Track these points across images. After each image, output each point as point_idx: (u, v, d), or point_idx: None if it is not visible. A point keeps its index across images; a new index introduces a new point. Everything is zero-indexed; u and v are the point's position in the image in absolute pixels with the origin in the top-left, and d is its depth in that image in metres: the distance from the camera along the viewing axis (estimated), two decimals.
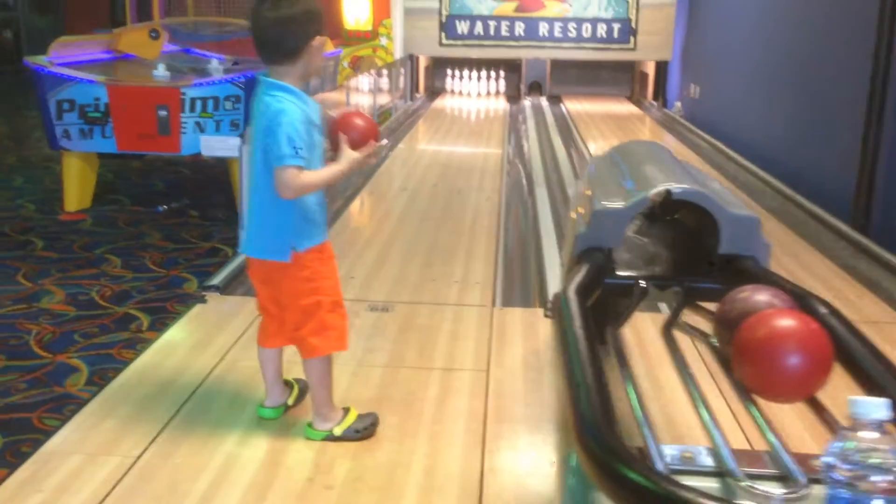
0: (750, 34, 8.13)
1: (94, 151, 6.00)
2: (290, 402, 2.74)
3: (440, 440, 2.63)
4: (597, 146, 8.40)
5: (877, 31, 4.98)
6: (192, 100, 5.70)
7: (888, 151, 5.01)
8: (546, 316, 3.67)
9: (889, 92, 4.96)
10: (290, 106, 2.33)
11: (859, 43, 5.34)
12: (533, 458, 2.56)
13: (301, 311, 2.49)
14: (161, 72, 6.06)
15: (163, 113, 5.70)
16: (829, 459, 0.92)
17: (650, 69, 11.82)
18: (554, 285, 4.12)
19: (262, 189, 2.40)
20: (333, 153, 2.44)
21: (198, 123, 5.74)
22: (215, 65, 6.63)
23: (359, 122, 2.48)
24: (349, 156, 2.41)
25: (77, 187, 6.06)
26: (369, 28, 10.70)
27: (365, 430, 2.61)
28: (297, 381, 2.78)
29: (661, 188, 1.91)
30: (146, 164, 7.69)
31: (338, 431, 2.58)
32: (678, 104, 10.60)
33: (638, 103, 11.80)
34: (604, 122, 10.16)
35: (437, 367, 3.16)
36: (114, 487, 2.30)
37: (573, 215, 2.30)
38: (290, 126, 2.29)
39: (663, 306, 3.75)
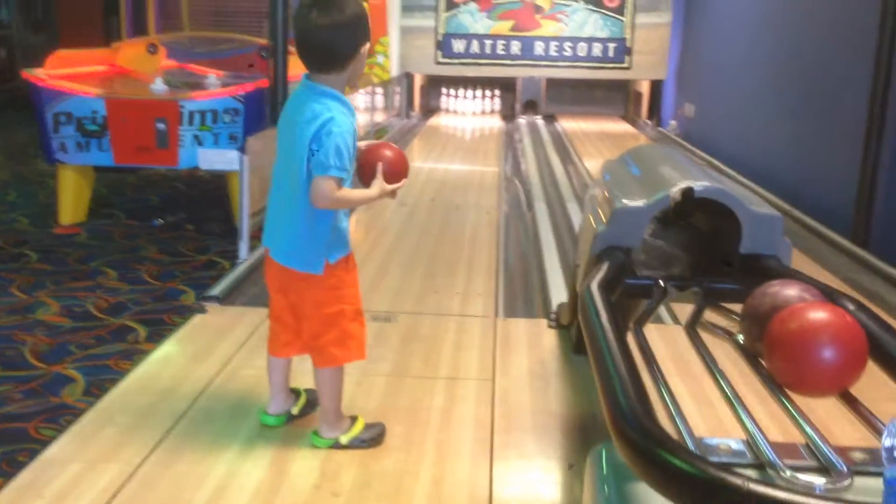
0: (746, 52, 8.16)
1: (91, 164, 5.95)
2: (295, 411, 2.68)
3: (447, 448, 2.58)
4: (594, 163, 8.39)
5: (877, 46, 5.00)
6: (191, 113, 5.67)
7: (888, 165, 5.01)
8: (550, 326, 3.64)
9: (889, 106, 4.97)
10: (340, 116, 2.28)
11: (859, 58, 5.36)
12: (542, 466, 2.51)
13: (324, 319, 2.43)
14: (159, 86, 6.03)
15: (161, 126, 5.66)
16: (891, 440, 0.88)
17: (645, 88, 11.86)
18: (557, 297, 4.09)
19: (299, 198, 2.32)
20: (362, 181, 2.39)
21: (196, 137, 5.71)
22: (213, 80, 6.60)
23: (397, 156, 2.43)
24: (382, 186, 2.38)
25: (72, 201, 6.00)
26: None
27: (372, 440, 2.56)
28: (307, 391, 2.72)
29: (682, 186, 1.88)
30: (141, 178, 7.64)
31: (344, 440, 2.53)
32: (673, 123, 10.63)
33: (633, 122, 11.83)
34: (600, 140, 10.18)
35: (442, 376, 3.11)
36: (115, 495, 2.24)
37: (589, 216, 2.27)
38: (341, 137, 2.24)
39: (666, 316, 3.74)
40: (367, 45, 2.35)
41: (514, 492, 2.37)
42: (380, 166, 2.36)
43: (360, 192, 2.38)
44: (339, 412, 2.55)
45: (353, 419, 2.58)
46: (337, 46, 2.28)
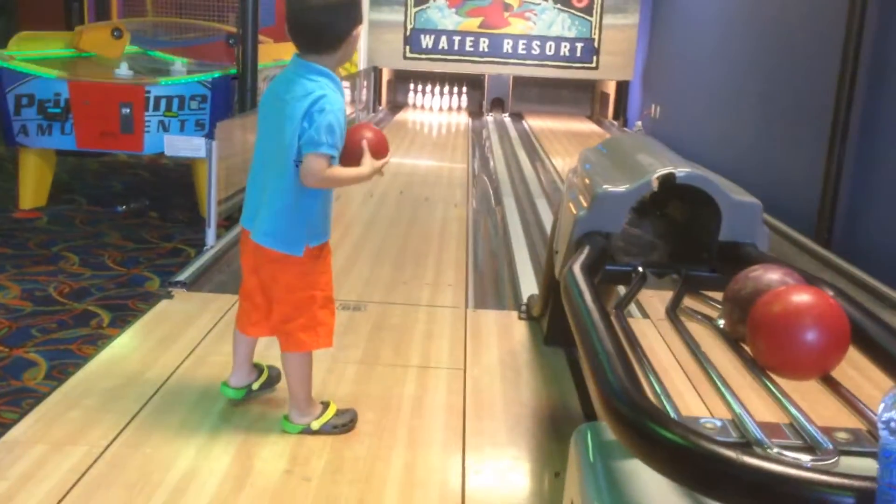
0: (712, 54, 8.26)
1: (53, 148, 5.82)
2: (256, 386, 2.66)
3: (419, 435, 2.57)
4: (562, 161, 8.43)
5: (843, 49, 5.08)
6: (157, 98, 5.58)
7: (852, 166, 5.10)
8: (521, 318, 3.64)
9: (854, 107, 5.05)
10: (332, 94, 2.26)
11: (824, 60, 5.45)
12: (514, 454, 2.51)
13: (294, 304, 2.41)
14: (124, 70, 5.93)
15: (126, 111, 5.56)
16: (888, 412, 0.88)
17: (611, 89, 11.95)
18: (527, 289, 4.10)
19: (287, 177, 2.29)
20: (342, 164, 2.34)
21: (162, 122, 5.62)
22: (178, 66, 6.50)
23: (378, 136, 2.41)
24: (373, 163, 2.35)
25: (33, 185, 5.86)
26: None
27: (343, 426, 2.54)
28: (269, 367, 2.71)
29: (663, 171, 1.88)
30: (103, 165, 7.51)
31: (315, 426, 2.50)
32: (639, 123, 10.73)
33: (599, 122, 11.92)
34: (566, 138, 10.23)
35: (413, 364, 3.10)
36: (82, 476, 2.19)
37: (569, 203, 2.27)
38: (333, 115, 2.22)
39: (636, 311, 3.77)
40: (360, 28, 2.33)
41: (486, 479, 2.36)
42: (365, 144, 2.33)
43: (352, 171, 2.35)
44: (310, 398, 2.53)
45: (326, 405, 2.56)
46: (331, 27, 2.26)
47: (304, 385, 2.50)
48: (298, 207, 2.32)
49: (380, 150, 2.38)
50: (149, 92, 5.57)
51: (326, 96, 2.23)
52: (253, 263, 2.45)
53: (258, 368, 2.69)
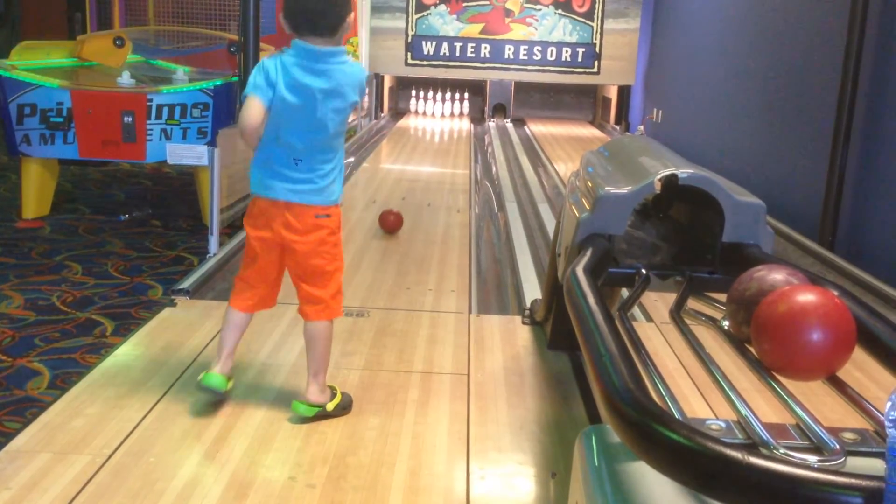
0: (713, 58, 8.25)
1: (55, 158, 5.83)
2: (228, 386, 2.67)
3: (424, 441, 2.56)
4: (564, 167, 8.44)
5: (845, 51, 5.07)
6: (159, 106, 5.59)
7: (855, 169, 5.09)
8: (524, 322, 3.63)
9: (857, 109, 5.04)
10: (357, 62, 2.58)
11: (826, 62, 5.44)
12: (518, 458, 2.50)
13: (329, 274, 2.58)
14: (126, 79, 5.94)
15: (128, 119, 5.57)
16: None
17: (612, 94, 11.95)
18: (530, 294, 4.09)
19: (337, 146, 2.56)
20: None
21: (164, 131, 5.63)
22: (180, 75, 6.52)
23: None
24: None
25: (35, 194, 5.87)
26: None
27: (347, 407, 2.68)
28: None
29: (666, 173, 1.88)
30: (106, 174, 7.53)
31: (330, 407, 2.62)
32: (641, 128, 10.72)
33: (601, 127, 11.91)
34: (569, 143, 10.23)
35: (417, 370, 3.09)
36: (86, 485, 2.19)
37: (571, 205, 2.26)
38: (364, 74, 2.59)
39: (640, 315, 3.76)
40: (353, 15, 2.51)
41: (490, 484, 2.35)
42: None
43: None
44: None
45: (332, 388, 2.68)
46: (332, 12, 2.41)
47: (328, 356, 2.66)
48: (339, 168, 2.59)
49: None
50: (151, 100, 5.58)
51: (361, 66, 2.60)
52: (284, 237, 2.53)
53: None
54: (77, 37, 8.00)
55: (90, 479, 2.22)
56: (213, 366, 2.65)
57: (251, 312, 2.69)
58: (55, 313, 4.09)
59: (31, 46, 6.36)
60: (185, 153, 5.54)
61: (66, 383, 3.12)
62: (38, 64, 6.11)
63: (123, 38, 7.11)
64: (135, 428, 2.52)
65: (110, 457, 2.34)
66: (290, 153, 2.49)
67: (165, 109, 5.61)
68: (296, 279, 2.62)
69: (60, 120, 5.58)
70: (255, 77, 2.44)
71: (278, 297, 2.75)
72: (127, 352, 3.14)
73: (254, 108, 2.42)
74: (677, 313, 1.74)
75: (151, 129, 5.60)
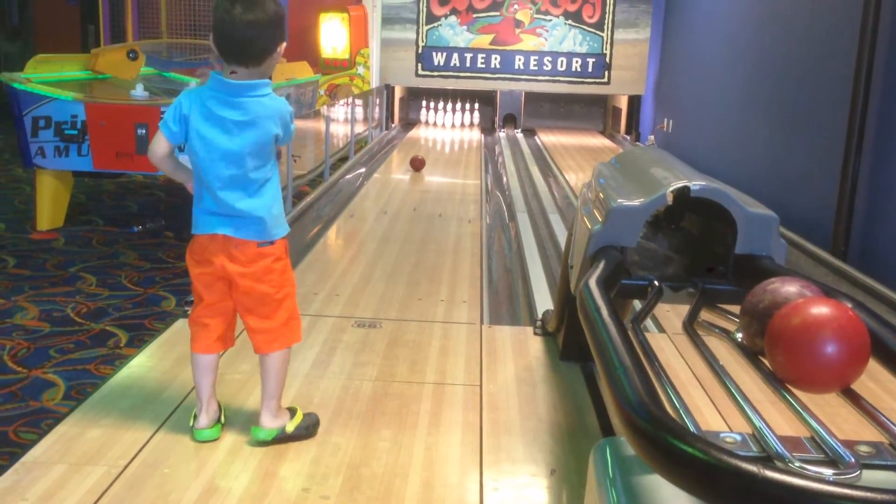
0: (724, 67, 8.25)
1: (70, 170, 5.88)
2: (223, 419, 2.61)
3: (436, 452, 2.56)
4: (575, 177, 8.44)
5: (856, 59, 5.07)
6: None
7: (868, 178, 5.08)
8: (536, 333, 3.64)
9: (869, 118, 5.03)
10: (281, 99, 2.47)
11: (838, 70, 5.43)
12: (532, 470, 2.50)
13: (278, 302, 2.49)
14: (139, 91, 5.98)
15: (142, 131, 5.61)
16: None
17: (623, 104, 11.96)
18: (542, 305, 4.09)
19: (271, 181, 2.47)
20: None
21: None
22: (193, 87, 6.55)
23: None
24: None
25: (50, 206, 5.92)
26: (346, 57, 10.72)
27: (310, 427, 2.60)
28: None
29: (678, 185, 1.88)
30: (119, 186, 7.58)
31: (290, 428, 2.55)
32: (651, 138, 10.72)
33: (611, 137, 11.92)
34: (579, 153, 10.24)
35: (429, 381, 3.10)
36: (101, 496, 2.20)
37: (584, 217, 2.27)
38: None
39: (652, 326, 3.76)
40: (284, 45, 2.45)
41: (504, 495, 2.35)
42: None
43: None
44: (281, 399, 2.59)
45: (293, 410, 2.62)
46: (259, 42, 2.36)
47: (282, 384, 2.58)
48: (276, 200, 2.49)
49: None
50: (164, 112, 5.61)
51: (285, 102, 2.48)
52: (228, 270, 2.44)
53: (217, 402, 2.63)
54: (91, 50, 8.08)
55: (105, 490, 2.23)
56: (199, 418, 2.55)
57: (216, 353, 2.57)
58: (70, 324, 4.12)
59: (45, 60, 6.41)
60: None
61: (81, 394, 3.15)
62: (52, 77, 6.17)
63: (137, 51, 7.16)
64: (150, 439, 2.53)
65: (125, 468, 2.35)
66: (216, 188, 2.41)
67: None
68: (242, 312, 2.51)
69: (75, 132, 5.63)
70: (168, 111, 2.43)
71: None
72: (141, 363, 3.16)
73: (157, 141, 2.45)
74: (690, 325, 1.74)
75: None
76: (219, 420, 2.59)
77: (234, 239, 2.43)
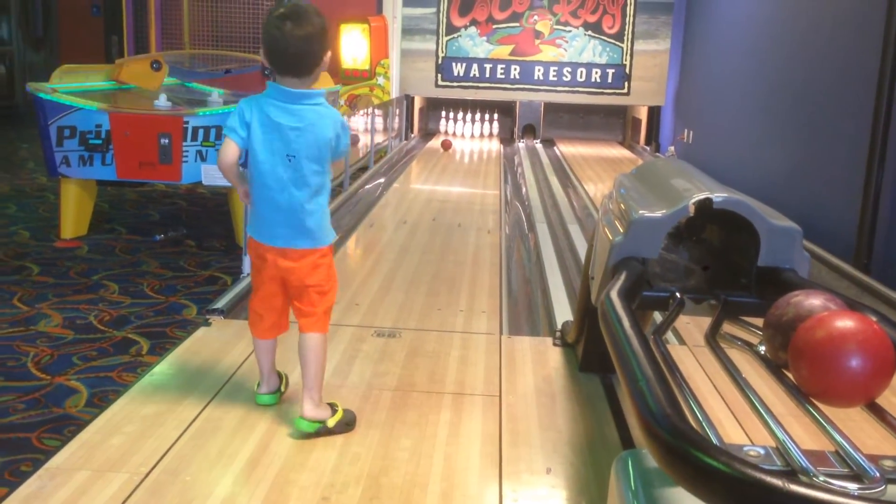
0: (745, 78, 8.22)
1: (94, 179, 5.95)
2: (284, 388, 2.92)
3: (456, 462, 2.56)
4: (594, 187, 8.43)
5: (879, 66, 5.04)
6: (195, 128, 5.68)
7: (891, 189, 5.04)
8: (555, 344, 3.63)
9: (892, 129, 5.00)
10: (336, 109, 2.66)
11: (860, 82, 5.40)
12: (551, 481, 2.49)
13: (320, 292, 2.69)
14: (162, 101, 6.04)
15: (165, 141, 5.66)
16: None
17: (643, 114, 11.94)
18: (561, 315, 4.09)
19: (322, 191, 2.65)
20: None
21: (199, 152, 5.71)
22: (215, 97, 6.62)
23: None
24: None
25: (74, 215, 5.99)
26: (366, 67, 10.77)
27: (350, 423, 2.72)
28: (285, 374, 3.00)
29: (700, 196, 1.88)
30: (142, 195, 7.64)
31: (331, 423, 2.66)
32: (671, 148, 10.69)
33: (631, 148, 11.90)
34: (599, 164, 10.22)
35: (448, 391, 3.10)
36: (123, 503, 2.22)
37: (605, 228, 2.27)
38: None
39: (672, 338, 3.74)
40: (330, 53, 2.61)
41: None
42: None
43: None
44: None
45: (333, 405, 2.72)
46: (311, 55, 2.54)
47: (323, 369, 2.73)
48: (326, 210, 2.71)
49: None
50: (187, 122, 5.67)
51: (338, 112, 2.67)
52: (284, 272, 2.67)
53: (279, 374, 2.93)
54: (115, 60, 8.17)
55: (128, 497, 2.25)
56: (261, 386, 2.87)
57: (272, 338, 2.82)
58: (92, 332, 4.16)
59: (70, 70, 6.49)
60: (219, 174, 5.56)
61: (104, 401, 3.17)
62: (77, 87, 6.25)
63: (160, 62, 7.23)
64: (171, 446, 2.55)
65: (147, 475, 2.37)
66: (276, 190, 2.59)
67: (201, 131, 5.69)
68: (293, 298, 2.72)
69: (99, 142, 5.69)
70: (231, 119, 2.56)
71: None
72: (163, 370, 3.18)
73: (227, 148, 2.57)
74: (712, 337, 1.73)
75: (187, 151, 5.69)
76: (279, 389, 2.88)
77: (285, 250, 2.64)
